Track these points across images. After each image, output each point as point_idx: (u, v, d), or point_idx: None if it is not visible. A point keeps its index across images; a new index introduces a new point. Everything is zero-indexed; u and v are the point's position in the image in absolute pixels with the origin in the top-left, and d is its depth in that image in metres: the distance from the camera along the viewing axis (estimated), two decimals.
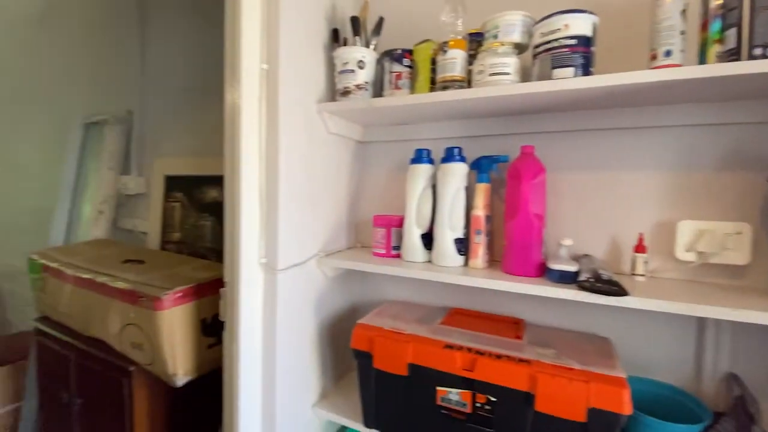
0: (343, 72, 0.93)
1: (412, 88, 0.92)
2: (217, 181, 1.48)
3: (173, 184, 1.62)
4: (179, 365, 1.00)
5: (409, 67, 0.92)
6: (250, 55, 0.80)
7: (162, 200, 1.63)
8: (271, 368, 0.88)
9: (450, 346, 0.76)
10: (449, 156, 0.89)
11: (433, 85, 0.88)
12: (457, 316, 0.94)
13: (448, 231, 0.87)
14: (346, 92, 0.93)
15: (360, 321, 0.89)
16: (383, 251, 0.98)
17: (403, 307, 1.03)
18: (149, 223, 1.66)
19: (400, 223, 0.96)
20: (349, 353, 0.87)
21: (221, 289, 0.90)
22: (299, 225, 0.92)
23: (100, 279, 1.11)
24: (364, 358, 0.84)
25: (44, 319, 1.37)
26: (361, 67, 0.92)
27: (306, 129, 0.93)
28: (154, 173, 1.66)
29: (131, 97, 1.76)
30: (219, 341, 1.09)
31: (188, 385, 1.04)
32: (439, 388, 0.76)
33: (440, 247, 0.88)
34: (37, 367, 1.40)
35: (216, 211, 1.51)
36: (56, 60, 2.11)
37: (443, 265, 0.88)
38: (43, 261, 1.32)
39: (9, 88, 2.39)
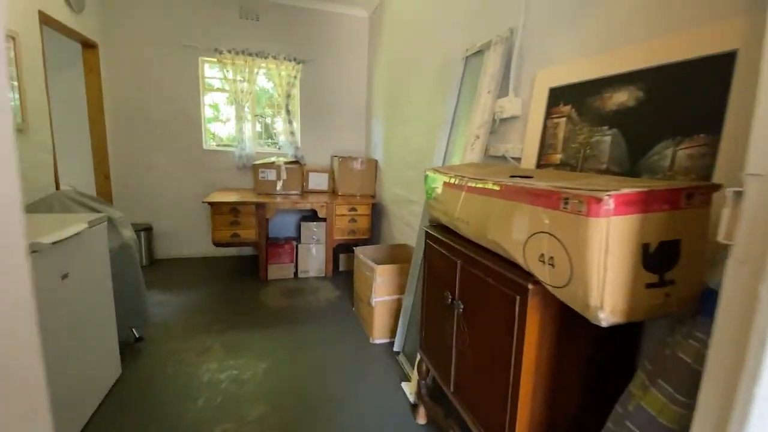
0: None
1: None
2: (628, 79, 1.13)
3: (558, 96, 1.37)
4: (607, 298, 0.73)
5: None
6: None
7: (543, 118, 1.43)
8: None
9: None
10: None
11: None
12: None
13: None
14: None
15: None
16: None
17: None
18: (524, 145, 1.52)
19: None
20: None
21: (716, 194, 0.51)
22: None
23: (504, 183, 0.99)
24: None
25: (436, 226, 1.51)
26: None
27: None
28: (536, 88, 1.47)
29: (512, 14, 1.63)
30: (661, 282, 0.72)
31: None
32: None
33: None
34: (426, 268, 1.59)
35: (621, 120, 1.13)
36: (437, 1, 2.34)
37: None
38: (438, 174, 1.42)
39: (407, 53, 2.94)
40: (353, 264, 3.70)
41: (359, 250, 2.65)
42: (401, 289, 2.30)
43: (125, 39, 3.45)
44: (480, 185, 1.11)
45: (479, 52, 1.87)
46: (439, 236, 1.42)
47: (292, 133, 3.98)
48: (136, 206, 3.75)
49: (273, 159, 3.67)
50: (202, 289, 3.17)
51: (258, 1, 3.71)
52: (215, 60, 3.68)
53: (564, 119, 1.34)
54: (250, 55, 3.71)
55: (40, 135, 2.41)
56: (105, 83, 3.36)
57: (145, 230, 3.67)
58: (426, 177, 1.55)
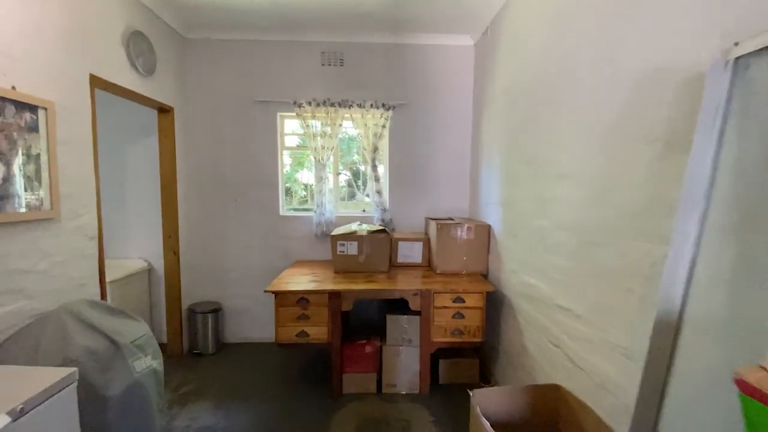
0: None
1: None
2: None
3: None
4: None
5: None
6: None
7: None
8: None
9: None
10: None
11: None
12: None
13: None
14: None
15: None
16: None
17: None
18: None
19: None
20: None
21: None
22: None
23: None
24: None
25: None
26: None
27: None
28: None
29: None
30: None
31: None
32: None
33: None
34: None
35: None
36: None
37: None
38: None
39: None
40: (457, 374, 2.65)
41: (479, 397, 1.57)
42: None
43: (200, 100, 3.17)
44: None
45: None
46: None
47: (379, 193, 3.21)
48: (205, 282, 3.30)
49: (354, 227, 2.91)
50: (259, 405, 2.41)
51: (342, 44, 3.17)
52: (294, 114, 3.18)
53: None
54: (333, 105, 3.13)
55: (81, 220, 1.98)
56: (179, 148, 3.06)
57: (213, 312, 3.15)
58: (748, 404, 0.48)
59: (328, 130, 3.16)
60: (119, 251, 3.25)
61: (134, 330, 1.63)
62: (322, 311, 2.43)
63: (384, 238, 2.81)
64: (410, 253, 3.00)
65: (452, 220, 3.00)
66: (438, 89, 3.24)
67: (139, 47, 2.47)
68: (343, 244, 2.80)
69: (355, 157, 3.59)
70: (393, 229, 3.28)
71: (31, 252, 1.68)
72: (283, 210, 3.37)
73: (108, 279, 2.75)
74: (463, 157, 3.31)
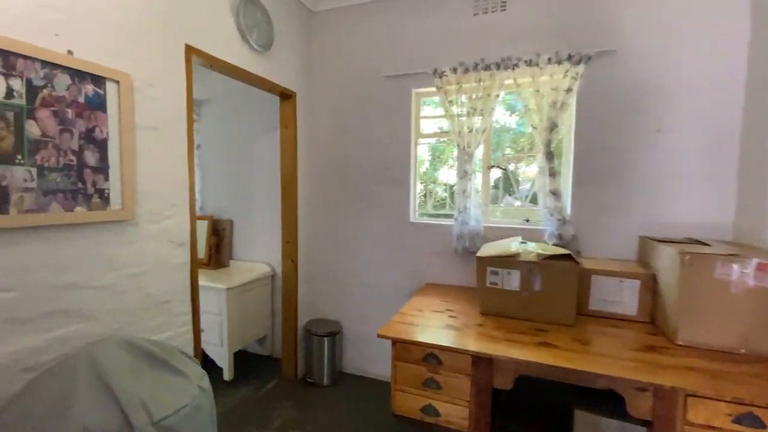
0: None
1: None
2: None
3: None
4: None
5: None
6: None
7: None
8: None
9: None
10: None
11: None
12: None
13: None
14: None
15: None
16: None
17: None
18: None
19: None
20: None
21: None
22: None
23: None
24: None
25: None
26: None
27: None
28: None
29: None
30: None
31: None
32: None
33: None
34: None
35: None
36: None
37: None
38: None
39: None
40: None
41: None
42: None
43: (324, 83, 2.68)
44: None
45: None
46: None
47: (555, 194, 2.08)
48: (324, 297, 2.80)
49: (515, 246, 1.89)
50: None
51: None
52: (434, 88, 2.37)
53: None
54: (488, 68, 2.19)
55: (166, 223, 1.61)
56: (301, 141, 2.63)
57: (331, 335, 2.61)
58: None
59: (479, 105, 2.23)
60: (246, 254, 3.07)
61: (173, 397, 1.07)
62: (461, 382, 1.52)
63: (567, 268, 1.70)
64: (614, 296, 1.79)
65: (704, 244, 1.65)
66: (671, 25, 1.91)
67: (252, 17, 2.06)
68: (497, 272, 1.83)
69: (508, 151, 2.54)
70: (578, 252, 2.10)
71: (91, 262, 1.33)
72: (415, 215, 2.59)
73: (226, 285, 2.51)
74: (721, 137, 1.87)
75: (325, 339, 2.60)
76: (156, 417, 0.99)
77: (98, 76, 1.30)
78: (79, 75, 1.24)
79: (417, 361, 1.60)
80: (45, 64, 1.14)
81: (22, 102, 1.08)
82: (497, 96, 2.21)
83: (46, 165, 1.15)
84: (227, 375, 2.59)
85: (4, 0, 1.06)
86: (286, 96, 2.50)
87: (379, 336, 1.64)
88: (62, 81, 1.19)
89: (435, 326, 1.72)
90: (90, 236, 1.32)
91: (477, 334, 1.63)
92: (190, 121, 1.73)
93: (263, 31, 2.15)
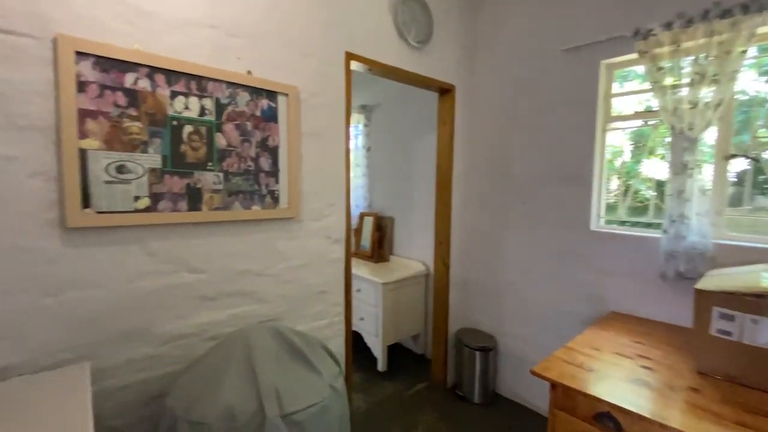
0: None
1: None
2: None
3: None
4: None
5: None
6: None
7: None
8: None
9: None
10: None
11: None
12: None
13: None
14: None
15: None
16: None
17: None
18: None
19: None
20: None
21: None
22: None
23: None
24: None
25: None
26: None
27: None
28: None
29: None
30: None
31: None
32: None
33: None
34: None
35: None
36: None
37: None
38: None
39: None
40: None
41: None
42: None
43: (487, 71, 2.40)
44: None
45: None
46: None
47: None
48: (478, 307, 2.56)
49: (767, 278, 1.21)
50: None
51: None
52: (634, 55, 1.79)
53: None
54: (727, 13, 1.49)
55: (326, 221, 1.75)
56: (458, 138, 2.45)
57: (483, 350, 2.38)
58: None
59: (712, 70, 1.54)
60: (405, 250, 3.13)
61: (304, 393, 1.11)
62: None
63: None
64: None
65: None
66: None
67: (410, 12, 2.01)
68: (731, 316, 1.21)
69: (762, 132, 1.65)
70: None
71: (264, 254, 1.54)
72: (599, 222, 2.05)
73: (383, 280, 2.61)
74: None
75: (477, 353, 2.38)
76: (286, 410, 1.04)
77: (271, 91, 1.48)
78: (256, 92, 1.44)
79: (586, 417, 1.21)
80: (230, 84, 1.36)
81: (212, 118, 1.32)
82: (743, 53, 1.47)
83: (230, 170, 1.38)
84: (381, 366, 2.70)
85: (203, 35, 1.31)
86: (445, 90, 2.37)
87: (533, 373, 1.33)
88: (243, 98, 1.41)
89: (618, 376, 1.27)
90: (263, 231, 1.53)
91: (687, 404, 1.11)
92: (348, 126, 1.81)
93: (421, 25, 2.08)
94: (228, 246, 1.42)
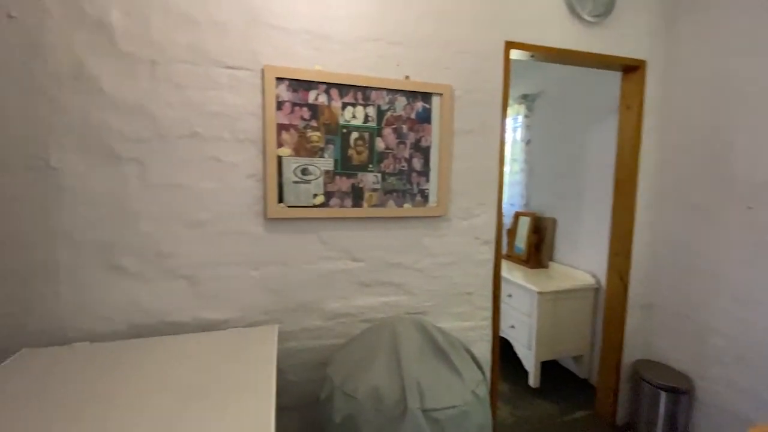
0: None
1: None
2: None
3: None
4: None
5: None
6: None
7: None
8: None
9: None
10: None
11: None
12: None
13: None
14: None
15: None
16: None
17: None
18: None
19: None
20: None
21: None
22: None
23: None
24: None
25: None
26: None
27: None
28: None
29: None
30: None
31: None
32: None
33: None
34: None
35: None
36: None
37: None
38: None
39: None
40: None
41: None
42: None
43: (692, 42, 1.84)
44: None
45: None
46: None
47: None
48: (668, 336, 2.04)
49: None
50: None
51: None
52: None
53: None
54: None
55: (475, 220, 1.70)
56: (647, 124, 1.99)
57: (674, 392, 1.89)
58: None
59: None
60: (568, 257, 2.77)
61: (444, 393, 1.11)
62: None
63: None
64: None
65: None
66: None
67: None
68: None
69: None
70: None
71: (413, 249, 1.61)
72: None
73: (539, 288, 2.38)
74: None
75: (663, 393, 1.90)
76: (427, 405, 1.06)
77: (426, 93, 1.53)
78: (412, 95, 1.51)
79: None
80: (389, 91, 1.46)
81: (374, 124, 1.45)
82: None
83: (386, 171, 1.50)
84: (532, 381, 2.47)
85: (367, 48, 1.45)
86: (631, 68, 1.96)
87: None
88: (401, 103, 1.49)
89: None
90: (413, 228, 1.60)
91: None
92: (503, 120, 1.70)
93: None
94: (382, 239, 1.55)
